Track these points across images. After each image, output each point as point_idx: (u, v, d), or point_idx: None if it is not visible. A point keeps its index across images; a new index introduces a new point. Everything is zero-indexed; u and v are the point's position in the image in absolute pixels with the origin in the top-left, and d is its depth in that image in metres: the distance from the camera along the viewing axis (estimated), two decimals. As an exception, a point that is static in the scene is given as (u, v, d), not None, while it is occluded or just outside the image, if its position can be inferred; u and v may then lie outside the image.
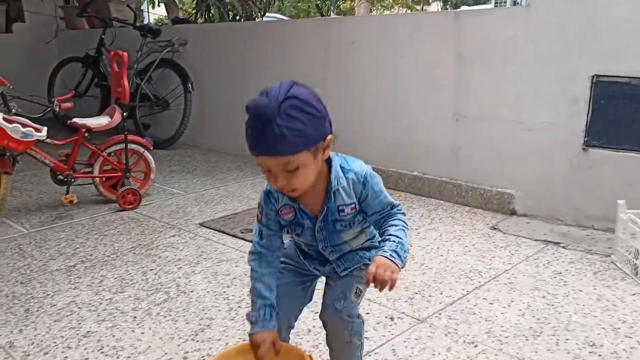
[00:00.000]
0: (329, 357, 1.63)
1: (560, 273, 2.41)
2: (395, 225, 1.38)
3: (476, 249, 2.69)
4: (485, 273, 2.43)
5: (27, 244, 2.87)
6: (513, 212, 3.17)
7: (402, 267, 1.33)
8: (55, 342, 1.95)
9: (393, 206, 1.42)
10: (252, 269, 1.45)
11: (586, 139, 2.89)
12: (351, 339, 1.52)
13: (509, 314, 2.08)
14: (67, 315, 2.13)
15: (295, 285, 1.53)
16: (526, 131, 3.09)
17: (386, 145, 3.76)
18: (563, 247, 2.69)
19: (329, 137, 1.30)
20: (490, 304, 2.16)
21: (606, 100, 2.83)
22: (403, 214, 1.43)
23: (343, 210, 1.39)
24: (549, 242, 2.76)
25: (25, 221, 3.21)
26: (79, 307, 2.20)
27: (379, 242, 1.42)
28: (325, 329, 1.54)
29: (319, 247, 1.46)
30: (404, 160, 3.67)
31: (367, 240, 1.50)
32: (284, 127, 1.18)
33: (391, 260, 1.30)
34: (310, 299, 1.58)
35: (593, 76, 2.84)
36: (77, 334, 2.00)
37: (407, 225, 1.41)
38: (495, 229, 2.96)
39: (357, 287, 1.49)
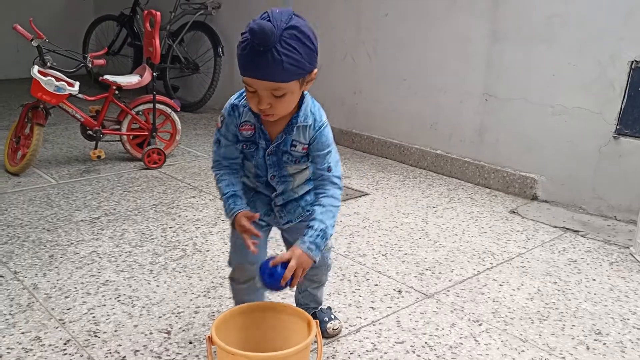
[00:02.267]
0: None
1: (575, 261, 2.40)
2: (323, 206, 1.44)
3: (492, 231, 2.69)
4: (498, 255, 2.43)
5: (55, 194, 2.97)
6: (534, 197, 3.15)
7: (318, 257, 1.42)
8: (75, 288, 2.04)
9: (330, 169, 1.47)
10: (214, 176, 1.53)
11: (618, 127, 2.83)
12: (326, 272, 1.74)
13: (518, 297, 2.09)
14: (88, 264, 2.22)
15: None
16: (556, 115, 3.04)
17: (411, 121, 3.74)
18: (582, 236, 2.67)
19: (315, 70, 1.35)
20: (500, 285, 2.17)
21: (643, 89, 2.76)
22: (339, 187, 1.49)
23: (295, 146, 1.46)
24: (568, 229, 2.74)
25: (55, 172, 3.31)
26: (99, 257, 2.28)
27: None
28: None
29: (268, 177, 1.52)
30: (428, 137, 3.65)
31: (309, 189, 1.59)
32: (283, 54, 1.24)
33: (308, 255, 1.40)
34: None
35: (632, 62, 2.76)
36: (97, 282, 2.09)
37: (338, 202, 1.47)
38: (514, 212, 2.95)
39: None
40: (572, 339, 1.83)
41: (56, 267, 2.19)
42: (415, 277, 2.22)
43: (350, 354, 1.71)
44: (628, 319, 1.96)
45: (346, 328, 1.85)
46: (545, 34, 3.03)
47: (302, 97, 1.44)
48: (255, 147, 1.48)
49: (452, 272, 2.27)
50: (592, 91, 2.90)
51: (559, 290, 2.14)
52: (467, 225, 2.75)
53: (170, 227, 2.59)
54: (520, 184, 3.21)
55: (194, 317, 1.88)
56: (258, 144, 1.48)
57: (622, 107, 2.81)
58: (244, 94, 1.45)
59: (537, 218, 2.88)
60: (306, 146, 1.47)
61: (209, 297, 2.01)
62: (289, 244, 1.66)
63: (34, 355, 1.66)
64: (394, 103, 3.82)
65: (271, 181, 1.53)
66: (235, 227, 1.49)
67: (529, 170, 3.19)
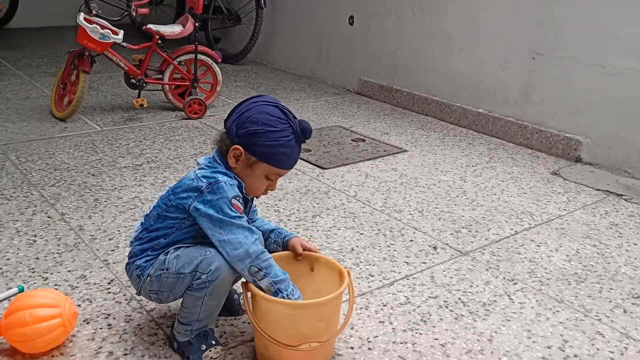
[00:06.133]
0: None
1: (617, 225, 2.35)
2: None
3: (532, 192, 2.64)
4: (537, 216, 2.40)
5: (99, 140, 3.05)
6: (578, 159, 3.07)
7: None
8: (119, 231, 2.12)
9: None
10: (261, 266, 1.39)
11: (671, 90, 2.72)
12: None
13: (555, 258, 2.06)
14: (131, 209, 2.29)
15: None
16: (606, 76, 2.92)
17: (453, 78, 3.66)
18: (625, 200, 2.60)
19: None
20: (538, 246, 2.15)
21: (700, 50, 2.62)
22: None
23: None
24: (611, 192, 2.67)
25: (99, 119, 3.39)
26: (142, 202, 2.35)
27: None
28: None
29: None
30: (470, 95, 3.57)
31: None
32: None
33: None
34: None
35: (690, 21, 2.62)
36: (138, 226, 2.16)
37: None
38: (556, 174, 2.89)
39: None
40: (609, 301, 1.81)
41: (100, 211, 2.26)
42: (451, 234, 2.21)
43: (384, 306, 1.74)
44: (669, 285, 1.92)
45: (380, 281, 1.87)
46: (601, -12, 2.89)
47: None
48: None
49: (488, 231, 2.25)
50: (648, 50, 2.77)
51: (598, 253, 2.11)
52: (506, 185, 2.71)
53: (209, 177, 2.64)
54: (564, 146, 3.12)
55: (231, 264, 1.93)
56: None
57: (679, 68, 2.68)
58: (222, 175, 1.42)
59: (579, 180, 2.81)
60: None
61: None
62: None
63: (80, 292, 1.74)
64: (437, 60, 3.73)
65: None
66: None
67: (574, 131, 3.10)
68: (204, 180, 1.40)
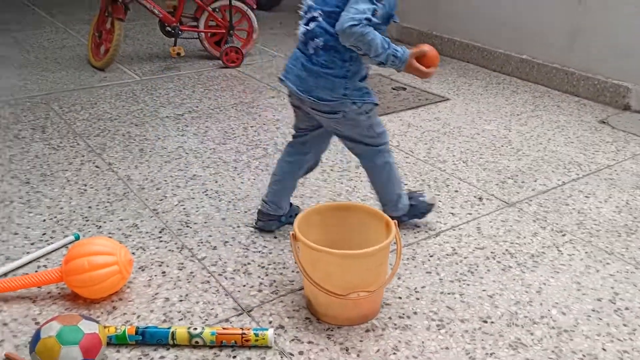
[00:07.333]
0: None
1: (668, 176, 2.29)
2: None
3: (579, 141, 2.58)
4: (585, 166, 2.35)
5: (139, 90, 3.06)
6: (627, 107, 2.97)
7: None
8: (165, 181, 2.15)
9: None
10: (369, 32, 1.49)
11: None
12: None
13: (605, 209, 2.03)
14: (175, 159, 2.32)
15: None
16: (660, 19, 2.78)
17: (496, 22, 3.53)
18: (676, 150, 2.52)
19: None
20: (586, 197, 2.11)
21: None
22: None
23: None
24: (662, 142, 2.59)
25: (137, 69, 3.39)
26: (186, 153, 2.37)
27: None
28: None
29: None
30: (514, 41, 3.45)
31: None
32: None
33: None
34: None
35: None
36: (185, 176, 2.19)
37: None
38: (604, 122, 2.80)
39: None
40: (662, 254, 1.79)
41: (146, 161, 2.29)
42: (497, 185, 2.18)
43: (430, 256, 1.75)
44: None
45: (426, 232, 1.87)
46: None
47: None
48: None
49: (535, 181, 2.22)
50: None
51: (649, 205, 2.07)
52: (552, 134, 2.65)
53: (251, 126, 2.64)
54: (612, 93, 3.01)
55: (277, 214, 1.95)
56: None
57: None
58: None
59: (628, 129, 2.72)
60: None
61: (292, 196, 2.06)
62: None
63: (133, 240, 1.79)
64: (479, 3, 3.59)
65: None
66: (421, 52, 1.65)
67: (623, 78, 2.98)
68: None
